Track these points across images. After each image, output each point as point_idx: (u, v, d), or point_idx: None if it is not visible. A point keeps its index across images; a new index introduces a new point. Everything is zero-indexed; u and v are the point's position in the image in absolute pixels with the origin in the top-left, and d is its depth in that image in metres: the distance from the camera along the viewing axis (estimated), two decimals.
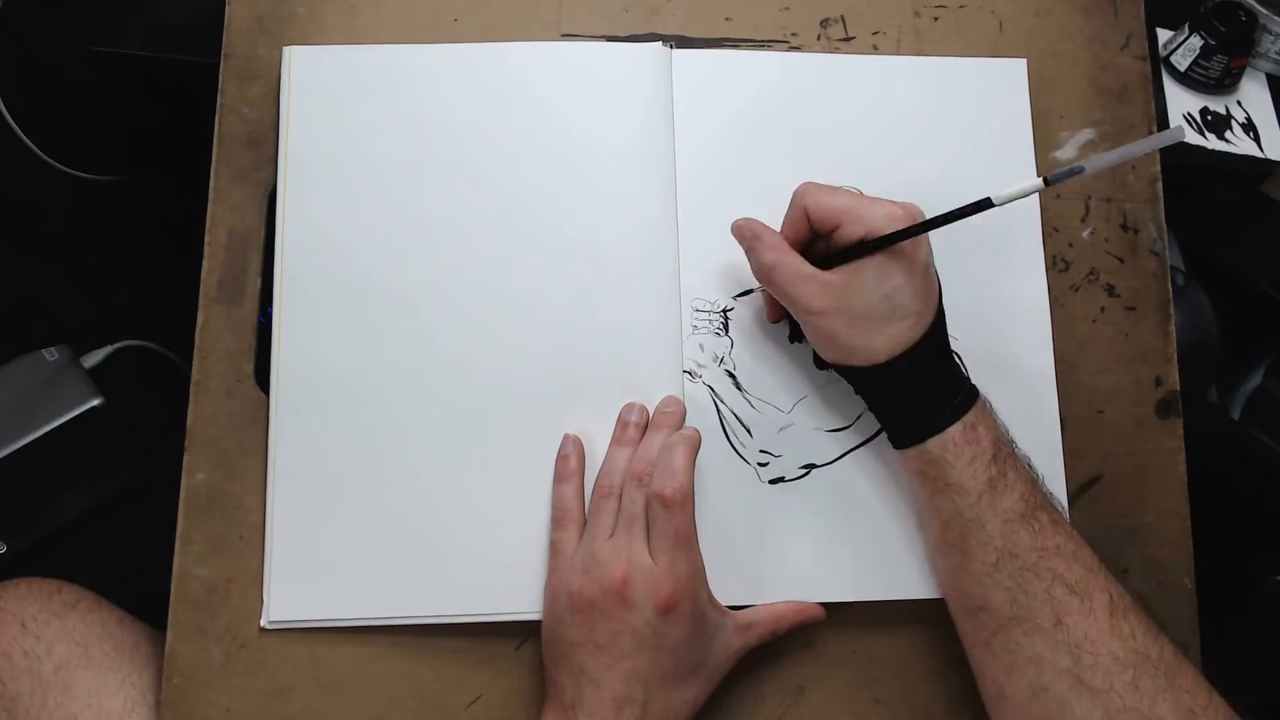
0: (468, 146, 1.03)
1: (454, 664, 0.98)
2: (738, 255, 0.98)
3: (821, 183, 0.93)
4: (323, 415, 0.98)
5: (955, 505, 0.90)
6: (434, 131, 1.03)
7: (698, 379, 1.01)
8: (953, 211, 0.86)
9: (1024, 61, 1.09)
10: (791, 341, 1.02)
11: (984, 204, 0.85)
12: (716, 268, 1.02)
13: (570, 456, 0.98)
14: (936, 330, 0.91)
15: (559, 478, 0.98)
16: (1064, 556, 0.88)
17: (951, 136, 1.07)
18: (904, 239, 0.87)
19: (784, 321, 1.02)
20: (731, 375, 1.01)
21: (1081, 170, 0.80)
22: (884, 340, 0.89)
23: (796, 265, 0.91)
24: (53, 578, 1.08)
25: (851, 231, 0.88)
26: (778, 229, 0.95)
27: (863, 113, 1.07)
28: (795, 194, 0.93)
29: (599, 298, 1.00)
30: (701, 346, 1.01)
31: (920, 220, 0.88)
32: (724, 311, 1.02)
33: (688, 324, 1.02)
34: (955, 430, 0.89)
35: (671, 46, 1.06)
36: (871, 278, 0.88)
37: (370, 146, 1.02)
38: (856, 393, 0.97)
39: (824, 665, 1.01)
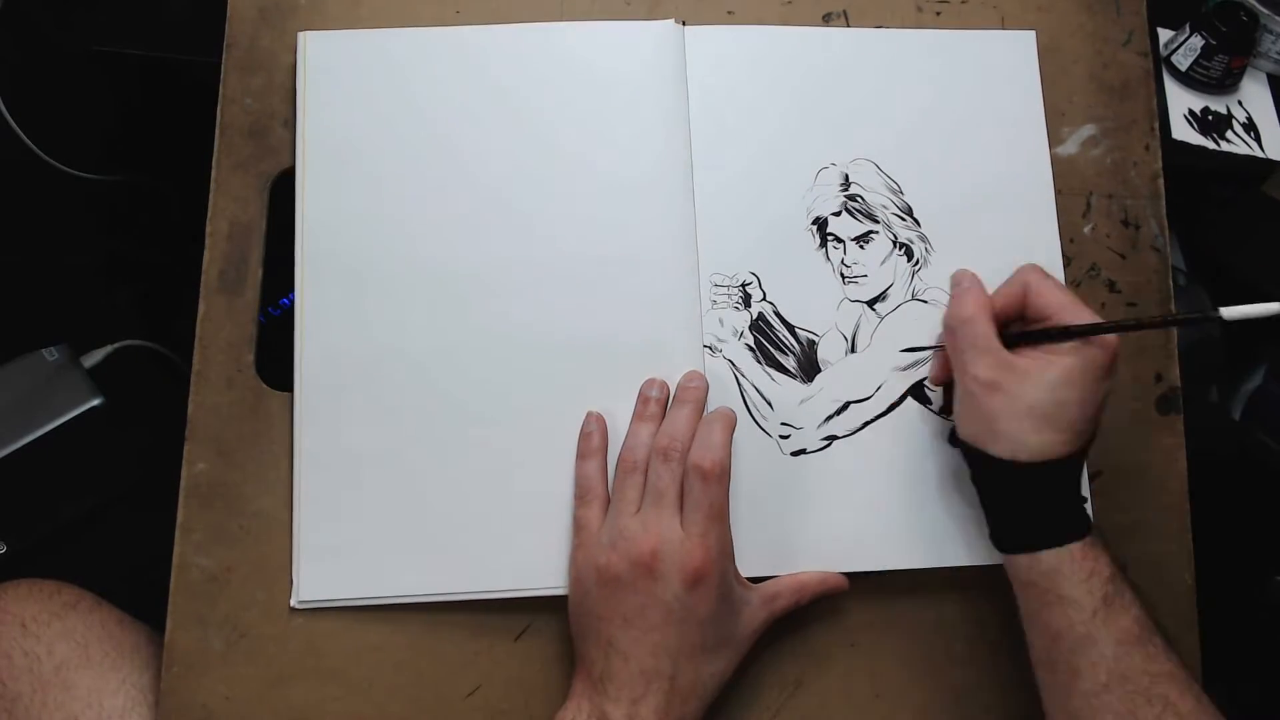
0: (483, 127, 1.03)
1: (453, 655, 0.98)
2: (755, 228, 1.02)
3: (1047, 273, 0.92)
4: (346, 396, 0.99)
5: (1068, 619, 0.86)
6: (450, 113, 1.03)
7: (718, 353, 1.01)
8: (1169, 316, 0.86)
9: (1033, 33, 1.10)
10: (940, 414, 1.02)
11: (1212, 317, 0.83)
12: (734, 242, 1.02)
13: (593, 434, 0.98)
14: (1081, 456, 0.89)
15: (582, 454, 0.98)
16: (1177, 684, 0.85)
17: (965, 107, 1.08)
18: (1090, 333, 0.86)
19: (939, 393, 1.02)
20: (751, 349, 1.02)
21: None
22: (1035, 441, 0.87)
23: (986, 331, 0.90)
24: (53, 578, 1.08)
25: (1044, 312, 0.88)
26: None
27: (876, 85, 1.08)
28: (1019, 269, 0.93)
29: (619, 274, 1.01)
30: (721, 321, 1.02)
31: (1118, 325, 0.88)
32: (743, 285, 1.02)
33: (707, 299, 1.02)
34: (1076, 546, 0.87)
35: (684, 23, 1.06)
36: (1055, 376, 0.86)
37: (387, 129, 1.03)
38: (973, 479, 0.95)
39: (822, 659, 1.01)
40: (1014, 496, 0.90)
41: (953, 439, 1.00)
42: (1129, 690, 0.84)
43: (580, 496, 0.97)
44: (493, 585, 0.98)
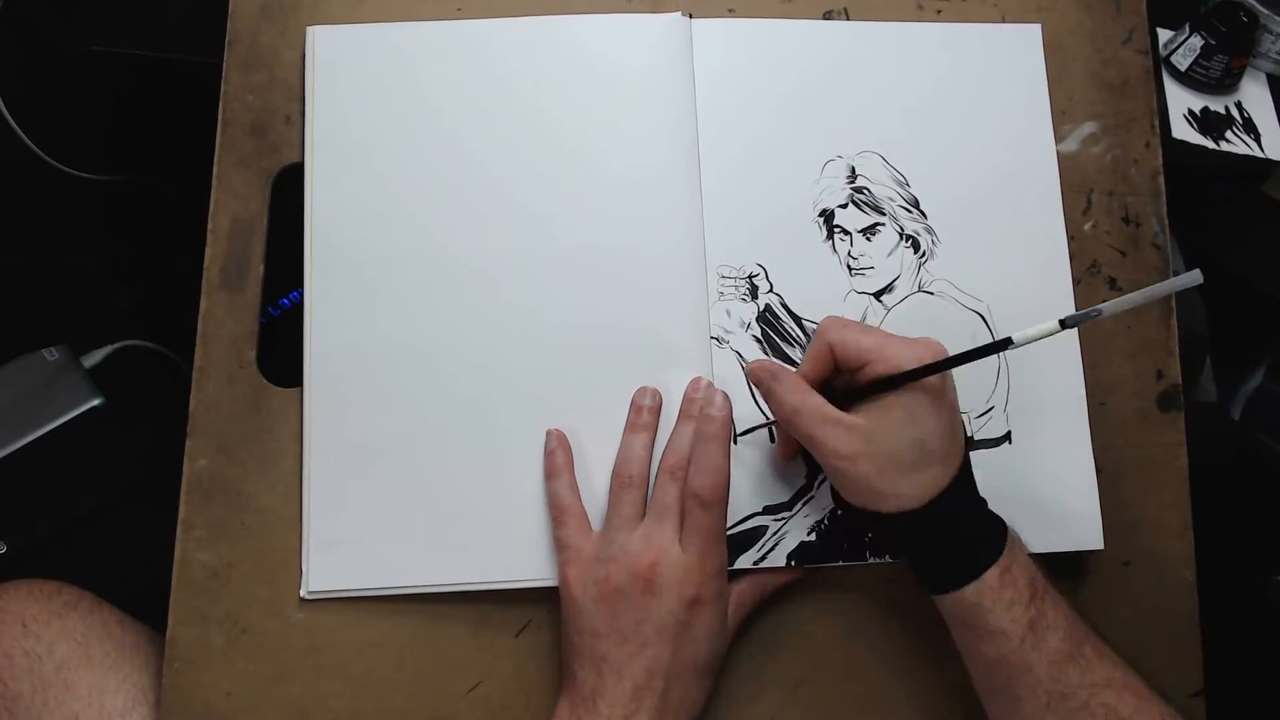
0: (491, 120, 1.03)
1: (454, 650, 0.98)
2: (762, 220, 1.02)
3: (844, 318, 0.93)
4: (355, 388, 1.00)
5: (999, 650, 0.86)
6: (459, 107, 1.04)
7: (725, 345, 1.01)
8: (973, 350, 0.85)
9: (1038, 26, 1.10)
10: (812, 480, 1.01)
11: (1004, 343, 0.83)
12: (741, 234, 1.03)
13: (556, 451, 0.98)
14: (964, 473, 0.89)
15: (549, 474, 0.98)
16: (1114, 688, 0.85)
17: (971, 101, 1.08)
18: (928, 375, 0.85)
19: (800, 454, 1.00)
20: (758, 340, 1.01)
21: (1099, 313, 0.79)
22: (914, 486, 0.86)
23: (820, 408, 0.88)
24: (53, 578, 1.08)
25: (877, 371, 0.87)
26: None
27: (883, 78, 1.08)
28: (819, 329, 0.91)
29: (626, 266, 1.01)
30: (728, 312, 1.02)
31: (944, 357, 0.86)
32: (750, 277, 1.02)
33: (714, 290, 1.02)
34: (991, 574, 0.86)
35: (690, 15, 1.06)
36: (900, 420, 0.86)
37: (396, 123, 1.03)
38: (880, 538, 0.96)
39: (823, 658, 1.01)
40: (920, 542, 0.90)
41: (839, 503, 1.00)
42: (1070, 707, 0.85)
43: (556, 518, 0.97)
44: (502, 576, 0.98)
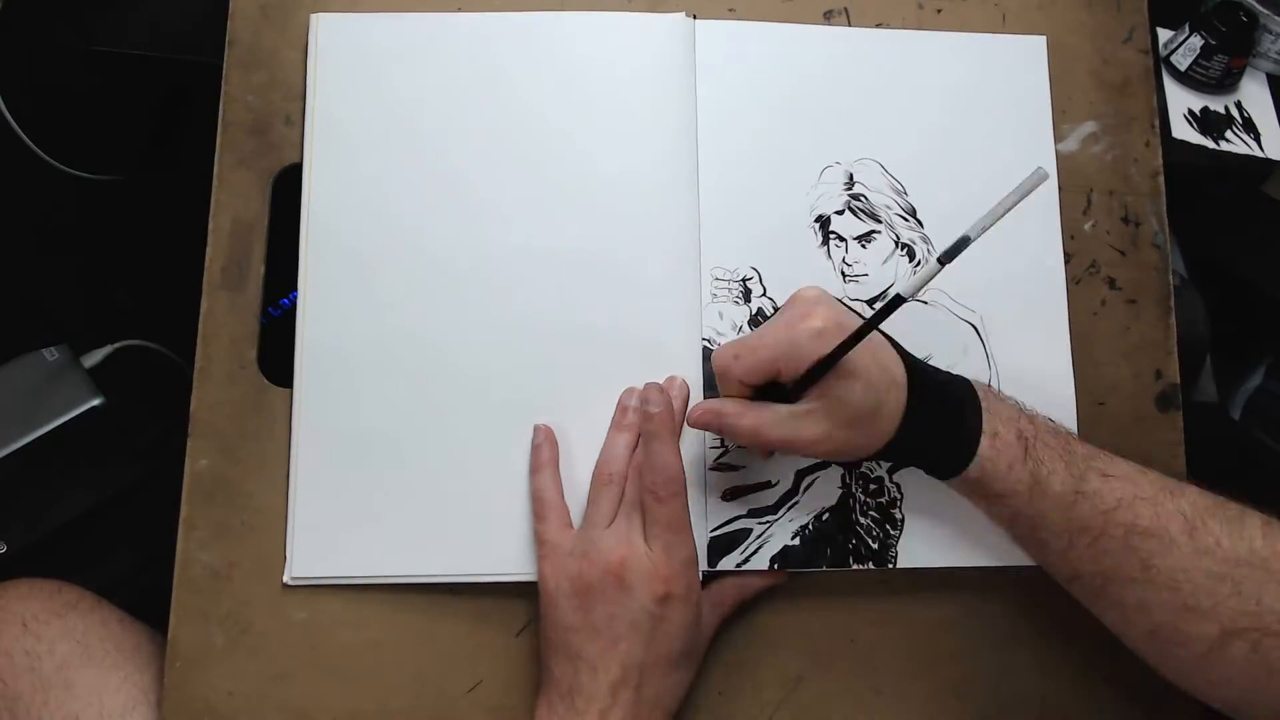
0: (490, 114, 1.04)
1: (454, 650, 0.98)
2: (758, 223, 1.02)
3: (725, 344, 0.91)
4: (346, 380, 1.00)
5: (1012, 509, 0.91)
6: (457, 99, 1.04)
7: (717, 347, 1.01)
8: (873, 316, 0.83)
9: (1043, 39, 1.10)
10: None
11: (896, 301, 0.82)
12: (737, 236, 1.03)
13: (542, 446, 0.99)
14: (914, 372, 0.90)
15: (534, 469, 0.99)
16: (1125, 506, 0.88)
17: (973, 111, 1.08)
18: (843, 354, 0.85)
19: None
20: None
21: (968, 240, 0.78)
22: (884, 422, 0.88)
23: (774, 416, 0.89)
24: (53, 578, 1.08)
25: (793, 370, 0.88)
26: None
27: (886, 86, 1.08)
28: (717, 372, 0.92)
29: (621, 266, 1.01)
30: (721, 315, 1.02)
31: (849, 329, 0.85)
32: (743, 280, 1.02)
33: (707, 292, 1.02)
34: (983, 447, 0.89)
35: (694, 16, 1.06)
36: (841, 388, 0.87)
37: (396, 115, 1.03)
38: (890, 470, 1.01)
39: (823, 655, 1.01)
40: (913, 451, 0.93)
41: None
42: (1091, 537, 0.88)
43: (537, 513, 0.97)
44: (491, 569, 0.98)
